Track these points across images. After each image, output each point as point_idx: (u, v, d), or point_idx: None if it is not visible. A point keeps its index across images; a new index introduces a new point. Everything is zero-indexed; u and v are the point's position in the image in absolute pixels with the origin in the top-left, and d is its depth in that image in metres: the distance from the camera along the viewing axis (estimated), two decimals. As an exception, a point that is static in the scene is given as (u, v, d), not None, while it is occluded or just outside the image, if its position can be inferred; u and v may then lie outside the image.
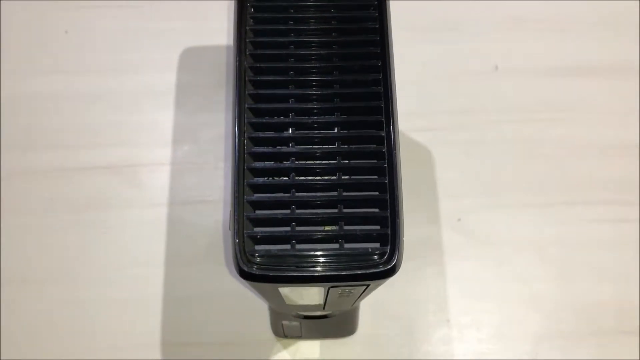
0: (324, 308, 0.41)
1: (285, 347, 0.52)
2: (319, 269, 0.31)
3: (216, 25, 0.60)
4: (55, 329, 0.51)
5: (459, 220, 0.55)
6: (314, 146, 0.33)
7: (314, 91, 0.34)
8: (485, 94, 0.59)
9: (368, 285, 0.33)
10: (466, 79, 0.59)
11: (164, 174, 0.56)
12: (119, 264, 0.53)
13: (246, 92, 0.33)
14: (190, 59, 0.60)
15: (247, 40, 0.35)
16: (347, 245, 0.31)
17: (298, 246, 0.31)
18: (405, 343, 0.52)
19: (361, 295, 0.37)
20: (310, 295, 0.36)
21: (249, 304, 0.52)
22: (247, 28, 0.35)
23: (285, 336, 0.51)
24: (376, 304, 0.52)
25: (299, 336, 0.51)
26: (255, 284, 0.31)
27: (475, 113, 0.58)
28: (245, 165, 0.32)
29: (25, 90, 0.58)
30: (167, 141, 0.57)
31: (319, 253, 0.31)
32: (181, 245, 0.54)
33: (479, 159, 0.57)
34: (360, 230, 0.31)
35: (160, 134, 0.57)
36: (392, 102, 0.33)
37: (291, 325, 0.49)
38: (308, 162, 0.33)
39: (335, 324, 0.50)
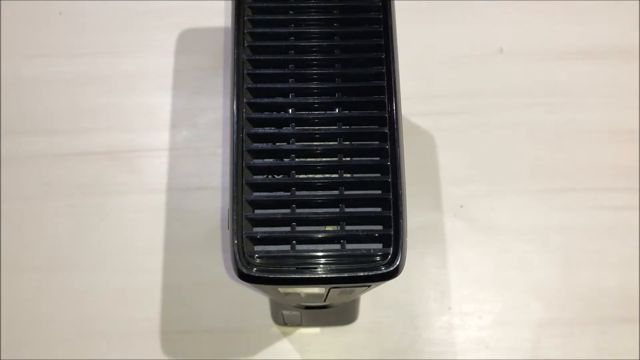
0: (324, 301, 0.40)
1: (285, 334, 0.51)
2: (319, 270, 0.30)
3: (215, 6, 0.59)
4: (53, 316, 0.51)
5: (461, 207, 0.54)
6: (315, 143, 0.32)
7: (314, 85, 0.33)
8: (489, 78, 0.57)
9: (370, 285, 0.32)
10: (470, 61, 0.58)
11: (162, 159, 0.55)
12: (117, 250, 0.53)
13: (244, 86, 0.32)
14: (188, 40, 0.58)
15: (246, 31, 0.33)
16: (348, 246, 0.31)
17: (298, 247, 0.31)
18: (406, 330, 0.51)
19: (363, 292, 0.36)
20: (310, 292, 0.36)
21: (249, 291, 0.52)
22: (246, 18, 0.34)
23: (286, 324, 0.51)
24: (377, 292, 0.51)
25: (299, 324, 0.51)
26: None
27: (479, 97, 0.57)
28: (244, 162, 0.31)
29: (19, 74, 0.57)
30: (165, 126, 0.56)
31: (319, 254, 0.30)
32: (180, 232, 0.53)
33: (482, 145, 0.56)
34: (362, 230, 0.31)
35: (158, 118, 0.56)
36: (396, 96, 0.32)
37: (291, 314, 0.48)
38: (309, 159, 0.32)
39: (336, 313, 0.49)
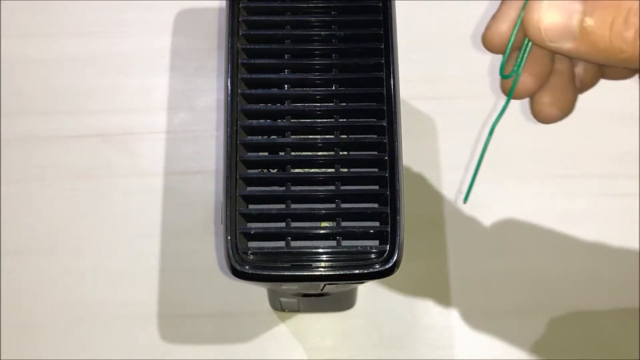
0: (321, 290, 0.40)
1: (282, 319, 0.51)
2: (314, 267, 0.29)
3: (212, -15, 0.57)
4: (50, 299, 0.51)
5: (462, 192, 0.54)
6: (311, 136, 0.31)
7: (311, 76, 0.32)
8: (492, 61, 0.56)
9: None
10: (473, 44, 0.57)
11: (160, 142, 0.54)
12: (115, 234, 0.52)
13: (239, 77, 0.31)
14: (186, 21, 0.57)
15: (240, 19, 0.32)
16: (344, 243, 0.30)
17: (293, 243, 0.30)
18: (404, 316, 0.51)
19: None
20: (306, 285, 0.35)
21: (247, 276, 0.51)
22: (241, 6, 0.33)
23: (283, 310, 0.51)
24: (375, 278, 0.51)
25: (297, 310, 0.51)
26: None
27: (481, 81, 0.56)
28: (238, 156, 0.30)
29: (14, 55, 0.56)
30: (162, 108, 0.55)
31: (314, 251, 0.30)
32: (177, 215, 0.53)
33: (483, 129, 0.55)
34: (358, 227, 0.30)
35: (155, 100, 0.55)
36: (394, 88, 0.32)
37: (289, 301, 0.48)
38: (304, 153, 0.31)
39: (333, 300, 0.49)
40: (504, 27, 0.27)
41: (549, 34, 0.25)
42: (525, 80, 0.27)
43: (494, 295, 0.52)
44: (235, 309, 0.51)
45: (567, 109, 0.29)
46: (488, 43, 0.27)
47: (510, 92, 0.27)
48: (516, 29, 0.26)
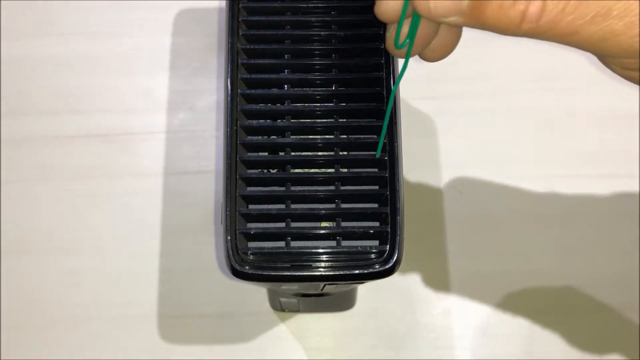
0: (321, 290, 0.40)
1: (282, 320, 0.51)
2: (314, 268, 0.29)
3: (212, -15, 0.57)
4: (49, 299, 0.51)
5: (461, 193, 0.53)
6: (311, 136, 0.31)
7: (311, 76, 0.32)
8: (492, 62, 0.56)
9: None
10: (473, 44, 0.57)
11: (159, 142, 0.54)
12: (114, 234, 0.52)
13: (239, 77, 0.31)
14: (186, 20, 0.57)
15: (240, 19, 0.32)
16: (344, 243, 0.30)
17: (293, 243, 0.30)
18: (404, 316, 0.51)
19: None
20: (306, 285, 0.35)
21: (247, 276, 0.51)
22: (241, 6, 0.33)
23: (283, 310, 0.51)
24: (376, 278, 0.51)
25: (297, 310, 0.51)
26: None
27: (481, 81, 0.56)
28: (238, 156, 0.30)
29: (15, 54, 0.56)
30: (162, 108, 0.55)
31: (314, 251, 0.30)
32: (177, 216, 0.53)
33: (484, 130, 0.55)
34: (358, 227, 0.30)
35: (155, 100, 0.55)
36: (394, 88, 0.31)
37: (289, 301, 0.48)
38: (304, 153, 0.31)
39: (333, 300, 0.49)
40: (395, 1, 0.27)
41: (438, 11, 0.25)
42: (416, 43, 0.28)
43: (494, 295, 0.52)
44: (235, 309, 0.51)
45: (450, 49, 0.30)
46: (381, 15, 0.28)
47: (406, 59, 0.28)
48: (406, 4, 0.27)
